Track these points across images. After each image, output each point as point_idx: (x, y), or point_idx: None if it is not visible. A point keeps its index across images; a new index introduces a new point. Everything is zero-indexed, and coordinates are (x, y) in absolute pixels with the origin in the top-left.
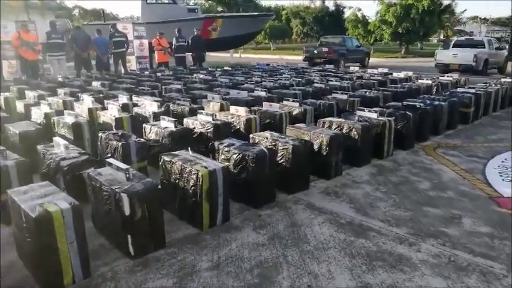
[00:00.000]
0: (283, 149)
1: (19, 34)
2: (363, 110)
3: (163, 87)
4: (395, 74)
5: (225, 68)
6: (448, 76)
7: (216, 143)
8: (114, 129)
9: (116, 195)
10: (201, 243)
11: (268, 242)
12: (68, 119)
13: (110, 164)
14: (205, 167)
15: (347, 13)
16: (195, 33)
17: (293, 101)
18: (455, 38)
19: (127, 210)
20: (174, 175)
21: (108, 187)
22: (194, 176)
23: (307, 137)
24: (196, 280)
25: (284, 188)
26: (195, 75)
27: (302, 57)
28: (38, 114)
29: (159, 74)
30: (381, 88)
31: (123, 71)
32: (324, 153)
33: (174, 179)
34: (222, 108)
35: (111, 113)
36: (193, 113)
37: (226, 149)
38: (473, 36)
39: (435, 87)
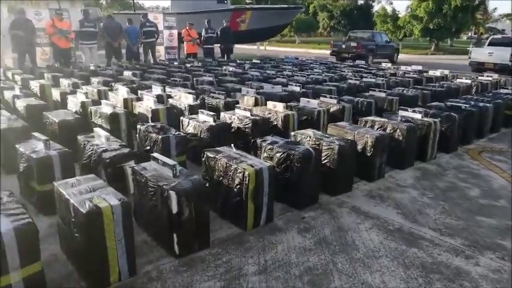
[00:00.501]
0: (328, 148)
1: (53, 22)
2: (406, 110)
3: (194, 79)
4: (430, 72)
5: (254, 60)
6: (487, 76)
7: (259, 140)
8: (150, 121)
9: (163, 192)
10: (245, 244)
11: (315, 247)
12: (106, 109)
13: (155, 159)
14: (252, 166)
15: (376, 7)
16: (224, 24)
17: (330, 97)
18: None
19: (174, 208)
20: (217, 172)
21: (155, 183)
22: (240, 175)
23: (351, 136)
24: (244, 285)
25: (327, 189)
26: (224, 67)
27: (329, 51)
28: (74, 103)
29: (188, 65)
30: (418, 87)
31: (152, 60)
32: (368, 154)
33: (218, 176)
34: (256, 103)
35: (147, 104)
36: (228, 107)
37: (269, 146)
38: (509, 35)
39: (475, 88)
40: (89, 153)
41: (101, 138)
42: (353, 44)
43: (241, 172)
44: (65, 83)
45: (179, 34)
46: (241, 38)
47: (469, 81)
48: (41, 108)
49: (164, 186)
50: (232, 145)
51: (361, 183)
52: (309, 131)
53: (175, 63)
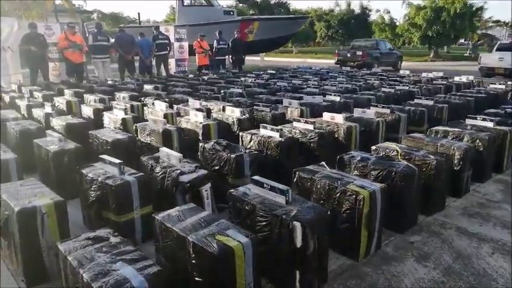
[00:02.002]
0: (424, 164)
1: (66, 35)
2: (475, 118)
3: (221, 91)
4: (456, 78)
5: (269, 71)
6: None
7: (346, 156)
8: (201, 137)
9: (283, 223)
10: (365, 278)
11: (446, 279)
12: (156, 126)
13: (258, 182)
14: (363, 187)
15: (373, 16)
16: (235, 35)
17: (382, 107)
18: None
19: (299, 242)
20: (316, 195)
21: (268, 212)
22: (351, 198)
23: (434, 149)
24: None
25: (421, 208)
26: (242, 78)
27: (334, 60)
28: (112, 120)
29: (205, 77)
30: (458, 94)
31: (164, 73)
32: (456, 167)
33: (317, 200)
34: (301, 115)
35: (196, 119)
36: (275, 119)
37: (361, 164)
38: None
39: (510, 93)
40: (161, 176)
41: (173, 159)
42: (358, 52)
43: (352, 195)
44: (90, 98)
45: (190, 46)
46: (249, 49)
47: (503, 87)
48: (82, 126)
49: (284, 216)
50: (324, 163)
51: (449, 199)
52: (393, 145)
53: (191, 75)
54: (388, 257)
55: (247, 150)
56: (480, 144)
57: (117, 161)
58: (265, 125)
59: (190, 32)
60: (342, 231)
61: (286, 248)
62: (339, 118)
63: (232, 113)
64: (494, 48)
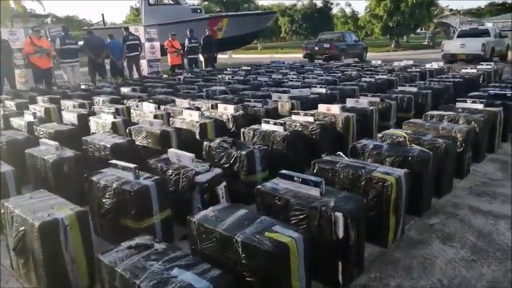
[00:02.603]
0: (433, 148)
1: (31, 40)
2: (464, 101)
3: (203, 89)
4: (428, 65)
5: (243, 67)
6: (486, 64)
7: (359, 145)
8: (198, 136)
9: (322, 215)
10: (399, 263)
11: (476, 257)
12: (152, 128)
13: (287, 176)
14: (388, 174)
15: (335, 9)
16: (206, 33)
17: (372, 95)
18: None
19: (341, 233)
20: (339, 185)
21: (305, 206)
22: (378, 185)
23: (435, 132)
24: None
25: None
26: (219, 76)
27: (302, 54)
28: (99, 125)
29: (181, 77)
30: (435, 80)
31: (136, 75)
32: (459, 149)
33: (341, 189)
34: (292, 108)
35: (191, 118)
36: (269, 114)
37: (375, 151)
38: (477, 26)
39: (481, 77)
40: (174, 177)
41: (179, 159)
42: (326, 45)
43: (379, 182)
44: (68, 104)
45: (161, 46)
46: (219, 46)
47: (474, 71)
48: (71, 133)
49: (324, 208)
50: (340, 153)
51: (454, 180)
52: (398, 131)
53: (165, 75)
54: (414, 241)
55: (256, 146)
56: (475, 125)
57: (131, 165)
58: (267, 119)
59: (159, 31)
60: (369, 219)
61: (327, 240)
62: (335, 109)
63: (226, 110)
64: (455, 35)
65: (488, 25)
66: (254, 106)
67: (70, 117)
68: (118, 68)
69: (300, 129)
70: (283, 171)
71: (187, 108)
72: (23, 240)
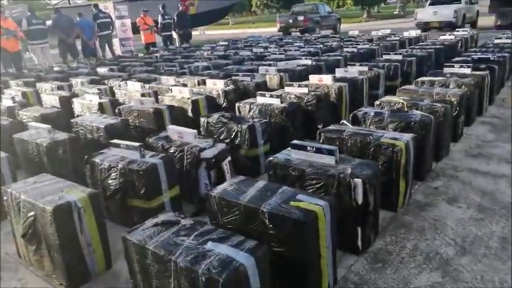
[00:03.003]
0: (432, 112)
1: None
2: (452, 66)
3: (185, 66)
4: (405, 34)
5: (221, 43)
6: (463, 30)
7: (360, 113)
8: (191, 113)
9: (340, 183)
10: (412, 226)
11: (483, 216)
12: (144, 106)
13: (300, 146)
14: (396, 139)
15: None
16: (180, 8)
17: (360, 64)
18: None
19: (360, 199)
20: (347, 153)
21: (322, 174)
22: (388, 151)
23: (430, 97)
24: (462, 269)
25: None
26: (198, 52)
27: (277, 28)
28: (84, 106)
29: (157, 55)
30: (416, 47)
31: (109, 55)
32: (454, 113)
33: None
34: (281, 81)
35: (182, 95)
36: (259, 87)
37: (377, 118)
38: None
39: (459, 43)
40: (178, 155)
41: (188, 136)
42: (300, 17)
43: (388, 148)
44: (45, 87)
45: (133, 24)
46: (192, 22)
47: (452, 37)
48: (57, 116)
49: (342, 176)
50: (344, 121)
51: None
52: (395, 98)
53: (140, 54)
54: (422, 204)
55: (256, 120)
56: (466, 89)
57: (136, 144)
58: (262, 92)
59: (129, 8)
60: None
61: (346, 206)
62: (327, 79)
63: (215, 86)
64: (427, 3)
65: None
66: (243, 80)
67: (51, 100)
68: (90, 48)
69: (295, 101)
70: (295, 141)
71: (174, 85)
72: (34, 226)
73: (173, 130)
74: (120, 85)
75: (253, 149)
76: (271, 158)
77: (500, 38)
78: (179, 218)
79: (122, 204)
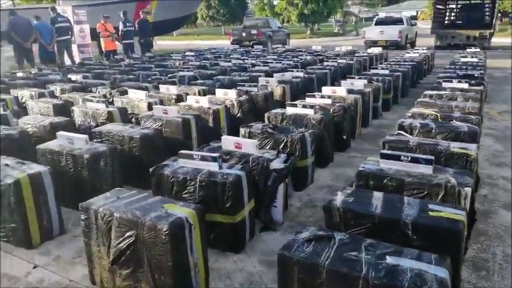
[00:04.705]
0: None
1: None
2: (450, 81)
3: (169, 74)
4: (369, 51)
5: (187, 53)
6: (422, 49)
7: (405, 123)
8: (212, 124)
9: (447, 192)
10: (488, 233)
11: None
12: (168, 116)
13: (393, 156)
14: (466, 149)
15: None
16: (141, 16)
17: (359, 78)
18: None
19: (468, 207)
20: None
21: (425, 183)
22: (461, 160)
23: (450, 109)
24: None
25: None
26: (169, 62)
27: (226, 40)
28: (87, 114)
29: (125, 63)
30: (392, 63)
31: (67, 61)
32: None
33: None
34: (284, 92)
35: (201, 105)
36: (267, 98)
37: (425, 129)
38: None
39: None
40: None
41: (248, 147)
42: (253, 31)
43: (462, 157)
44: (23, 93)
45: (93, 30)
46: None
47: (417, 55)
48: (67, 124)
49: (449, 185)
50: (401, 132)
51: None
52: (425, 109)
53: (106, 62)
54: (481, 211)
55: (303, 130)
56: (475, 102)
57: (214, 154)
58: (293, 102)
59: (89, 13)
60: None
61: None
62: (342, 91)
63: (226, 96)
64: (373, 23)
65: (403, 13)
66: (250, 91)
67: (41, 107)
68: (49, 53)
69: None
70: (385, 151)
71: (184, 94)
72: (134, 247)
73: (229, 140)
74: (110, 93)
75: (303, 159)
76: (361, 168)
77: (466, 57)
78: (329, 232)
79: None
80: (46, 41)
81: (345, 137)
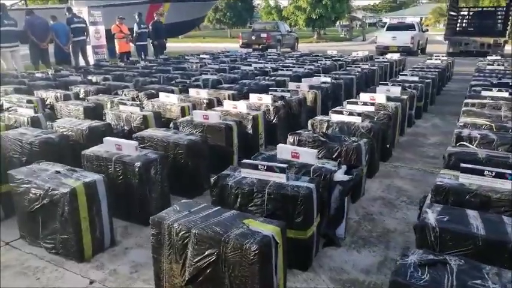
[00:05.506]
0: None
1: None
2: (490, 90)
3: (192, 78)
4: (388, 57)
5: (201, 55)
6: (442, 56)
7: (464, 134)
8: (250, 129)
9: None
10: None
11: None
12: (210, 121)
13: (469, 169)
14: None
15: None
16: (155, 18)
17: (393, 85)
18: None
19: None
20: None
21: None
22: None
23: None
24: None
25: None
26: (186, 64)
27: (239, 43)
28: (120, 118)
29: (141, 64)
30: (416, 69)
31: (82, 63)
32: None
33: None
34: (315, 98)
35: (239, 110)
36: (300, 104)
37: (485, 140)
38: (404, 20)
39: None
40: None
41: (307, 156)
42: (263, 35)
43: None
44: (47, 95)
45: (108, 31)
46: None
47: (439, 62)
48: (106, 129)
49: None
50: (466, 143)
51: None
52: (478, 120)
53: (121, 63)
54: None
55: (356, 139)
56: None
57: (282, 165)
58: (338, 110)
59: (104, 14)
60: None
61: None
62: (381, 98)
63: (260, 101)
64: (385, 29)
65: (414, 19)
66: (285, 96)
67: (71, 110)
68: (65, 54)
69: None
70: (464, 165)
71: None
72: (215, 266)
73: (286, 149)
74: (137, 96)
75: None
76: (439, 183)
77: (492, 64)
78: (440, 257)
79: None
80: (62, 41)
81: (388, 145)
